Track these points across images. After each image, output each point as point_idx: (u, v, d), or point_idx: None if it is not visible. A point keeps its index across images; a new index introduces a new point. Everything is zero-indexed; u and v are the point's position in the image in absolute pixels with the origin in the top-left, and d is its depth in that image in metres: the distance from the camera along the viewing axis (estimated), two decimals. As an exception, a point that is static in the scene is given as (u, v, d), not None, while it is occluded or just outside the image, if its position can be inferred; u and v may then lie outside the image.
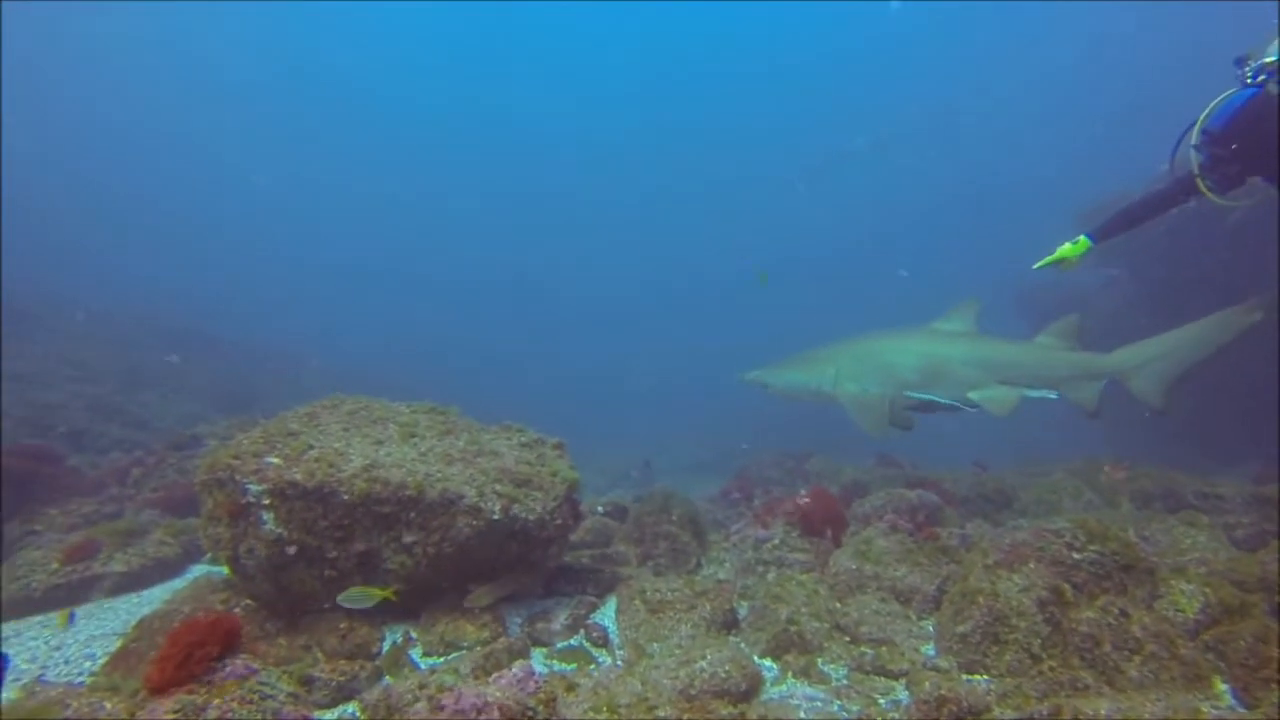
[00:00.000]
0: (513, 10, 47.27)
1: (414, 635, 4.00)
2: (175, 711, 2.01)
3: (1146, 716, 2.43)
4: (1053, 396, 6.05)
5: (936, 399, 6.10)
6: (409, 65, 52.77)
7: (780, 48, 48.37)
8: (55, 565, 4.87)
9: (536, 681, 1.96)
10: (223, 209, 52.50)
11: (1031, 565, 3.72)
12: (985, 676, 3.46)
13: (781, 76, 49.21)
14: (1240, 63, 4.99)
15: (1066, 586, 3.57)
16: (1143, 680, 3.08)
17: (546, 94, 53.68)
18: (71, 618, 4.43)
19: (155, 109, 50.30)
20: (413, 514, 3.93)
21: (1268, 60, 4.75)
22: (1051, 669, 3.25)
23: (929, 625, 4.14)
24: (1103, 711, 2.49)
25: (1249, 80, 4.89)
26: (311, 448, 4.15)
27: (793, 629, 3.87)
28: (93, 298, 19.22)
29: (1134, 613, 3.36)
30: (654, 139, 53.52)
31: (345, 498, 3.87)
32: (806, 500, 5.32)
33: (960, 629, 3.72)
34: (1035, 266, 5.82)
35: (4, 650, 2.82)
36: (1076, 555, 3.68)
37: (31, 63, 43.17)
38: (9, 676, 2.90)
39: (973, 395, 6.03)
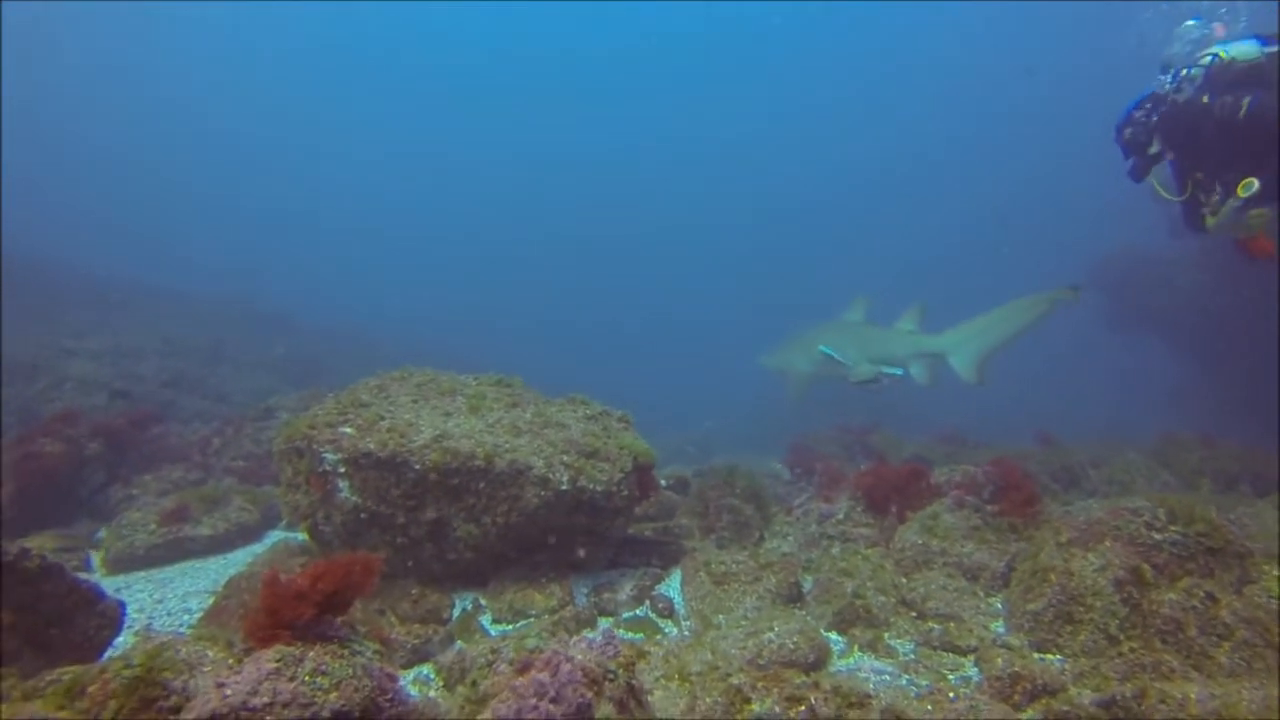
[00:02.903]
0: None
1: (483, 602, 4.13)
2: (276, 660, 2.14)
3: (1244, 705, 2.34)
4: (899, 373, 7.10)
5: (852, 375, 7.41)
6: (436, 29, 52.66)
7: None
8: (154, 526, 5.21)
9: (617, 646, 2.01)
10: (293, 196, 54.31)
11: (1107, 544, 3.60)
12: (1059, 656, 3.39)
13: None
14: (1164, 69, 5.95)
15: (1146, 567, 3.45)
16: (1234, 668, 2.96)
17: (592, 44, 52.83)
18: None
19: (229, 106, 52.15)
20: (482, 484, 4.04)
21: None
22: (1132, 650, 3.16)
23: (997, 603, 4.07)
24: (1193, 695, 2.41)
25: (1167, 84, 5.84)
26: (383, 418, 4.30)
27: (859, 603, 3.86)
28: (179, 281, 20.38)
29: (1222, 597, 3.23)
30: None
31: (417, 467, 4.00)
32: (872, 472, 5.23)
33: (1031, 607, 3.65)
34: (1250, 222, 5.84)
35: (121, 599, 3.07)
36: (1157, 535, 3.54)
37: (118, 64, 45.59)
38: (125, 623, 3.18)
39: (852, 373, 7.31)
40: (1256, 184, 5.37)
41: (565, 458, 4.14)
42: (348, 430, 4.19)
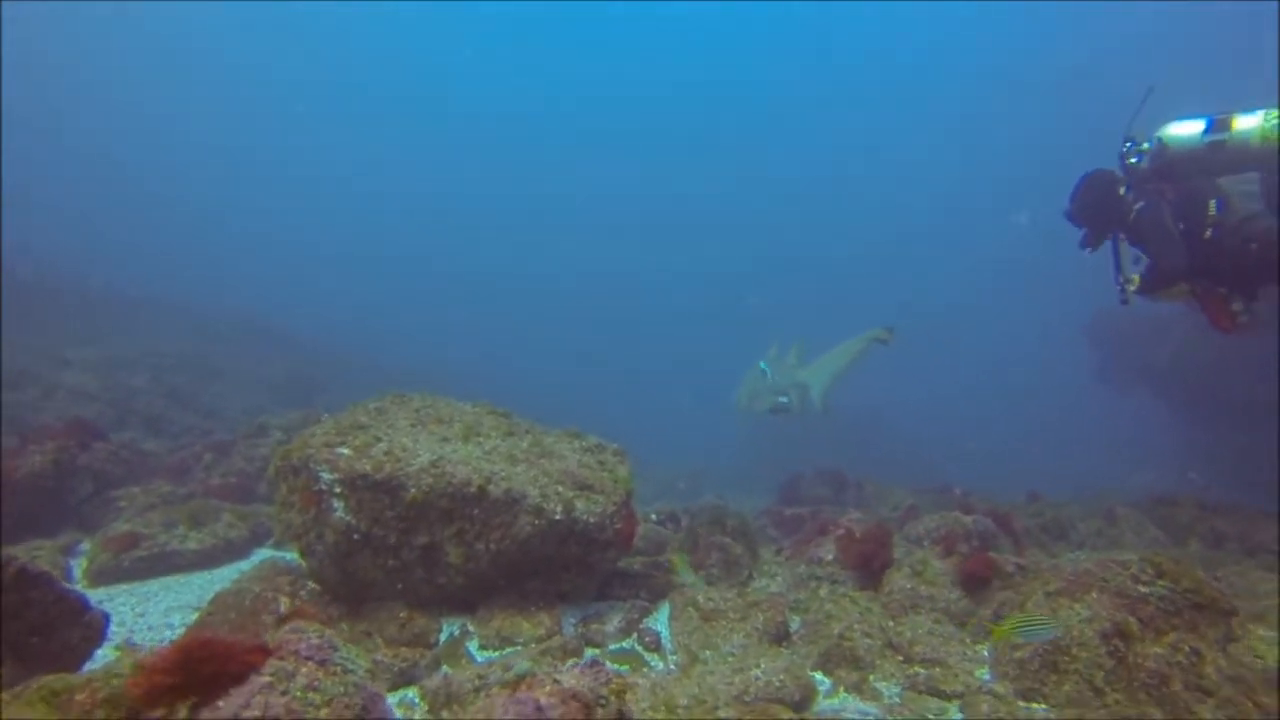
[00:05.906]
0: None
1: (471, 629, 4.11)
2: (270, 675, 2.15)
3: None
4: (785, 400, 8.40)
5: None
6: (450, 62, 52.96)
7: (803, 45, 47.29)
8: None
9: (608, 672, 2.03)
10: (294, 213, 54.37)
11: (1094, 595, 3.64)
12: (1044, 705, 3.40)
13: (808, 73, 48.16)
14: (1125, 140, 6.08)
15: (1132, 620, 3.48)
16: (1217, 724, 2.98)
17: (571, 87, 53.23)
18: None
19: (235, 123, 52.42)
20: (476, 510, 4.06)
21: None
22: (1116, 702, 3.17)
23: (984, 650, 4.08)
24: (1174, 747, 2.43)
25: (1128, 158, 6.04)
26: (380, 441, 4.32)
27: (845, 644, 3.86)
28: (172, 290, 20.44)
29: (1207, 654, 3.26)
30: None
31: (412, 491, 4.01)
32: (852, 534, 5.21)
33: (1018, 655, 3.66)
34: None
35: (106, 610, 3.05)
36: (1144, 589, 3.58)
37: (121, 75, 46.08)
38: (108, 636, 3.15)
39: (760, 402, 8.71)
40: (1137, 279, 5.86)
41: (560, 489, 4.17)
42: (344, 451, 4.22)
